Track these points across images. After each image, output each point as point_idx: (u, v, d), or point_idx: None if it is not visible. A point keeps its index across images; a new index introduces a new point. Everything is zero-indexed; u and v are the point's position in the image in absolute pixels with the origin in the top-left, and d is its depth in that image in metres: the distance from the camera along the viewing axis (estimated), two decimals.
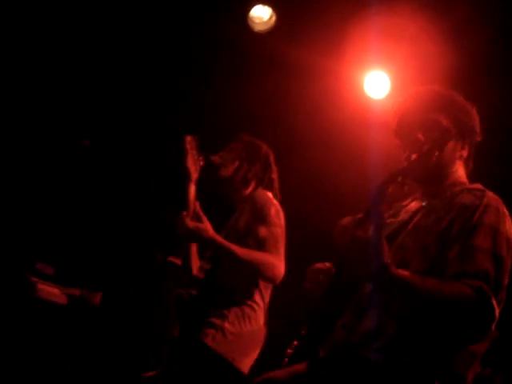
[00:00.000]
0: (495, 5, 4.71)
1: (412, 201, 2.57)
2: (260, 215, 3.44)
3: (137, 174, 5.62)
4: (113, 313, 4.81)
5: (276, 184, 3.75)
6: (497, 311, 2.08)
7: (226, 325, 3.35)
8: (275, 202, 3.56)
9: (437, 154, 2.35)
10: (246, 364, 3.38)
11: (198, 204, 3.50)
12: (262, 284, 3.48)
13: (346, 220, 2.23)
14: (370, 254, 2.08)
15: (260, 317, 3.47)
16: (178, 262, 4.14)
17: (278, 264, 3.34)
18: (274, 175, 3.76)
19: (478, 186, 2.37)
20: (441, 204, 2.34)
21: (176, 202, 3.71)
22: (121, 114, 5.42)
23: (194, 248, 3.65)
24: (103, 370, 4.66)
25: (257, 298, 3.47)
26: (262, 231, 3.39)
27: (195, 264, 3.65)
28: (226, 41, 4.91)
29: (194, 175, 3.55)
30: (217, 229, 3.48)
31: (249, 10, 4.78)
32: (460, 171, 2.47)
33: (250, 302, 3.44)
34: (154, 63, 5.12)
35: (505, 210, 2.26)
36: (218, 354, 3.29)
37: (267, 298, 3.56)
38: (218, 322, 3.35)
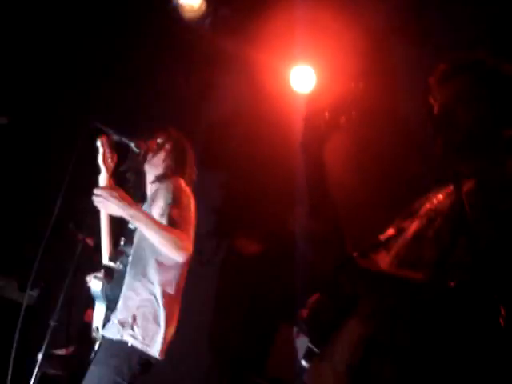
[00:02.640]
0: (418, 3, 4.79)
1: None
2: (173, 199, 3.63)
3: (55, 153, 5.42)
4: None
5: (192, 184, 3.92)
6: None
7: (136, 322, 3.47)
8: (187, 190, 3.76)
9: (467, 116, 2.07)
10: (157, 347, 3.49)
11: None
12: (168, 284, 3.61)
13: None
14: (328, 248, 1.88)
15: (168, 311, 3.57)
16: (91, 242, 4.27)
17: (185, 240, 3.51)
18: (194, 176, 3.97)
19: None
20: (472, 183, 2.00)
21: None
22: (40, 92, 5.23)
23: (107, 229, 3.90)
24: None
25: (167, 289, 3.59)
26: (174, 213, 3.57)
27: (108, 246, 3.89)
28: (154, 28, 4.83)
29: (109, 170, 3.87)
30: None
31: None
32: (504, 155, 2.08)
33: (161, 295, 3.55)
34: (77, 47, 4.97)
35: None
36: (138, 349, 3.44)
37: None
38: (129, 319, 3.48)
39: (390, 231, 2.25)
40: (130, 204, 3.47)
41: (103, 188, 3.55)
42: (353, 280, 1.94)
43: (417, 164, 4.93)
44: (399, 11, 4.84)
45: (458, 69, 2.18)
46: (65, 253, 4.04)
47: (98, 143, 3.86)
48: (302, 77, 5.32)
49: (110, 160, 3.88)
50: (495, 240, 1.80)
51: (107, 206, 3.47)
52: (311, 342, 2.09)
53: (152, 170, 3.88)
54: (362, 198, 5.05)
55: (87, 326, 3.67)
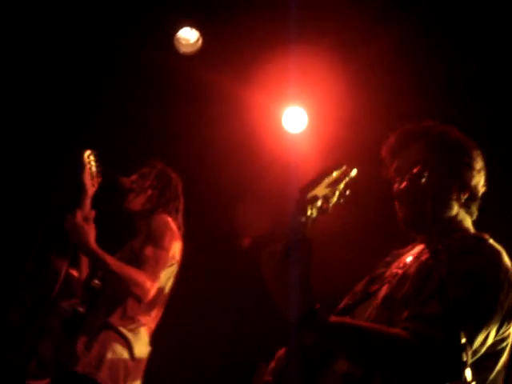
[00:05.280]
0: (408, 46, 4.82)
1: (412, 248, 2.23)
2: (152, 236, 3.55)
3: (38, 181, 5.34)
4: None
5: (180, 215, 3.83)
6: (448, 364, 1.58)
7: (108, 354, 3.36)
8: (173, 226, 3.65)
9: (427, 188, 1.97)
10: None
11: (93, 213, 3.58)
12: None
13: (275, 247, 1.86)
14: (293, 297, 1.74)
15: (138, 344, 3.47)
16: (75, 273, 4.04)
17: (146, 284, 3.39)
18: (181, 206, 3.86)
19: (484, 235, 2.04)
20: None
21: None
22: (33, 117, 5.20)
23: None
24: None
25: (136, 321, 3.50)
26: (148, 251, 3.49)
27: (84, 269, 3.73)
28: (150, 61, 4.83)
29: (90, 190, 3.68)
30: (115, 249, 3.64)
31: (176, 32, 4.73)
32: (463, 218, 2.15)
33: (128, 328, 3.46)
34: (72, 77, 4.97)
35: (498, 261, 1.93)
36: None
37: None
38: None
39: (347, 300, 2.21)
40: (91, 244, 3.41)
41: (75, 218, 3.44)
42: (320, 336, 1.85)
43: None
44: (393, 54, 4.87)
45: (410, 138, 2.21)
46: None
47: (84, 158, 3.72)
48: (294, 118, 5.34)
49: (93, 179, 3.73)
50: (463, 300, 1.80)
51: (74, 237, 3.43)
52: None
53: (137, 203, 3.78)
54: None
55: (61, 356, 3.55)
